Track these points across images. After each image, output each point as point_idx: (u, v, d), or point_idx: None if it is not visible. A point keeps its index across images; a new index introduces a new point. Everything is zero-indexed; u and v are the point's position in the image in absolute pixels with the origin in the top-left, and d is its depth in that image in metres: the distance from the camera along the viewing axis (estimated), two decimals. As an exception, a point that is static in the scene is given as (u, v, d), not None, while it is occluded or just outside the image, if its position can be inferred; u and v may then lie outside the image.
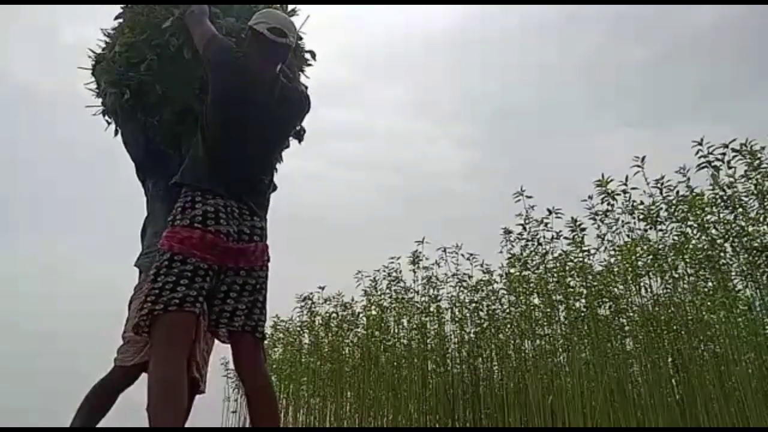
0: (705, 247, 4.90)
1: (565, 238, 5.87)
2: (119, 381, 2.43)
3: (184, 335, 1.92)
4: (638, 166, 5.28)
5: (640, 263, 5.36)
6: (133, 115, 2.50)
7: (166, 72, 2.44)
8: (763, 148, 4.67)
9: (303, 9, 2.76)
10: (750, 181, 4.67)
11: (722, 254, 4.84)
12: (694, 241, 5.03)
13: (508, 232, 6.45)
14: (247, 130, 2.15)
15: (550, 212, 5.94)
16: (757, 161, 4.66)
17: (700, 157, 4.90)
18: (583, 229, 5.71)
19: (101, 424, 2.39)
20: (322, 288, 9.50)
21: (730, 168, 4.78)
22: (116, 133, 2.72)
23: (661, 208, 5.20)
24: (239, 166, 2.11)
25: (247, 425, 11.31)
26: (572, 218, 5.76)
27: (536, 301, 6.35)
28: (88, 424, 2.34)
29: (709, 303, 4.95)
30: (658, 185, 5.24)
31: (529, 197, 6.11)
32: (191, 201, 2.03)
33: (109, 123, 2.72)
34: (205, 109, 2.17)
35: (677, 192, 5.13)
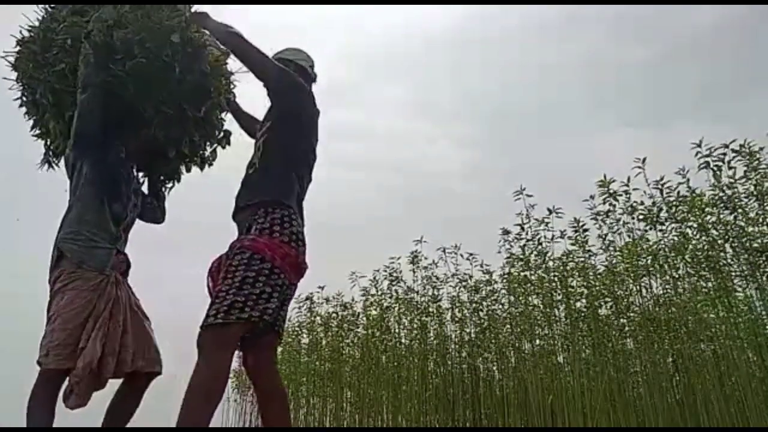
0: (705, 247, 4.90)
1: (568, 237, 5.88)
2: (58, 388, 2.32)
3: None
4: (639, 167, 5.29)
5: (640, 263, 5.37)
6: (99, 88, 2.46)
7: (145, 78, 2.47)
8: (761, 148, 4.68)
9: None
10: (750, 182, 4.68)
11: (722, 254, 4.85)
12: (694, 242, 5.04)
13: (506, 232, 6.45)
14: (313, 158, 2.36)
15: (550, 212, 5.94)
16: (756, 162, 4.67)
17: (699, 159, 4.91)
18: (586, 230, 5.71)
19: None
20: (322, 288, 9.50)
21: (730, 168, 4.79)
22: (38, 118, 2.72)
23: (662, 209, 5.20)
24: (305, 190, 2.30)
25: (248, 425, 11.31)
26: (575, 218, 5.77)
27: (536, 301, 6.35)
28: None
29: (708, 304, 4.96)
30: (659, 186, 5.24)
31: (530, 196, 6.12)
32: (288, 217, 2.11)
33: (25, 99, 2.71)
34: (281, 128, 2.28)
35: (678, 192, 5.14)
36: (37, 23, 2.72)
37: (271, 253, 2.00)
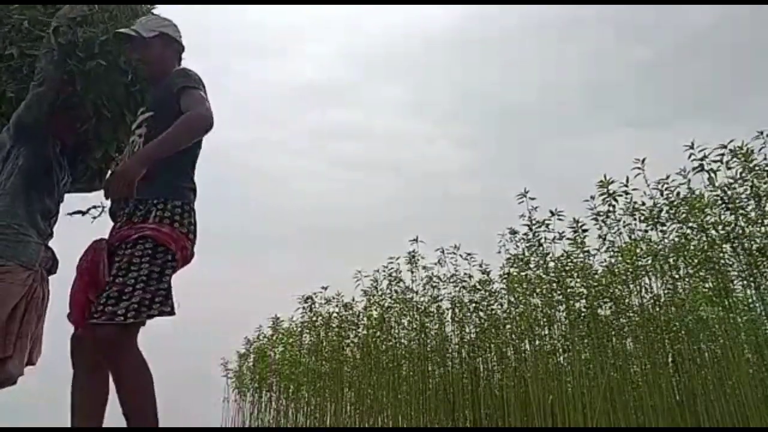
0: (705, 247, 4.90)
1: (567, 238, 5.88)
2: None
3: None
4: (639, 168, 5.29)
5: (640, 264, 5.37)
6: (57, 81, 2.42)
7: (96, 78, 2.47)
8: (761, 149, 4.67)
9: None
10: (746, 183, 4.67)
11: (722, 255, 4.85)
12: (694, 242, 5.04)
13: (513, 233, 6.45)
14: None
15: (552, 213, 5.95)
16: (752, 163, 4.66)
17: (693, 161, 4.92)
18: (585, 231, 5.72)
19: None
20: (325, 288, 9.48)
21: (729, 169, 4.79)
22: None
23: (662, 209, 5.20)
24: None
25: (248, 425, 11.31)
26: (574, 219, 5.77)
27: (536, 301, 6.36)
28: None
29: (707, 304, 4.96)
30: (659, 187, 5.25)
31: (533, 199, 6.13)
32: (189, 209, 2.06)
33: None
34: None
35: (678, 193, 5.14)
36: None
37: (175, 246, 1.96)
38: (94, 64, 2.41)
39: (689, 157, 4.92)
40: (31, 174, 2.40)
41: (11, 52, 2.57)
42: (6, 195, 2.36)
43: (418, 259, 7.72)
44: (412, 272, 7.80)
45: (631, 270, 5.44)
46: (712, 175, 4.84)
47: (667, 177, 5.21)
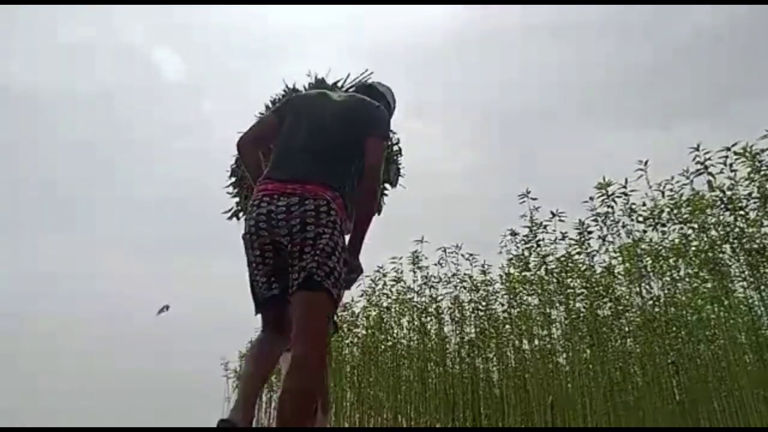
0: (705, 248, 4.90)
1: (570, 239, 5.89)
2: None
3: None
4: (641, 170, 5.30)
5: (640, 264, 5.37)
6: None
7: None
8: (763, 150, 4.67)
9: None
10: (753, 184, 4.67)
11: (722, 255, 4.85)
12: (695, 243, 5.04)
13: (514, 234, 6.46)
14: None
15: (553, 214, 5.96)
16: (759, 163, 4.67)
17: (697, 163, 4.92)
18: (590, 232, 5.73)
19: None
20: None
21: (732, 171, 4.79)
22: None
23: (663, 210, 5.21)
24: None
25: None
26: (579, 220, 5.78)
27: (536, 301, 6.36)
28: None
29: (705, 303, 4.96)
30: (660, 188, 5.26)
31: (534, 199, 6.14)
32: None
33: None
34: None
35: (680, 195, 5.15)
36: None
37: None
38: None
39: (694, 158, 4.92)
40: None
41: None
42: None
43: (421, 260, 7.72)
44: (414, 272, 7.80)
45: (631, 270, 5.44)
46: (713, 178, 4.84)
47: (672, 178, 5.22)
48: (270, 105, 4.56)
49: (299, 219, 1.93)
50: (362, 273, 2.20)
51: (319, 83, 4.46)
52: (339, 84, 4.61)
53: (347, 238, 2.11)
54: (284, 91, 4.47)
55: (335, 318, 3.30)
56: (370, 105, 2.30)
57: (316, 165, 2.07)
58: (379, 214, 4.20)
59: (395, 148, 3.96)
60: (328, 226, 1.93)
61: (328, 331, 1.99)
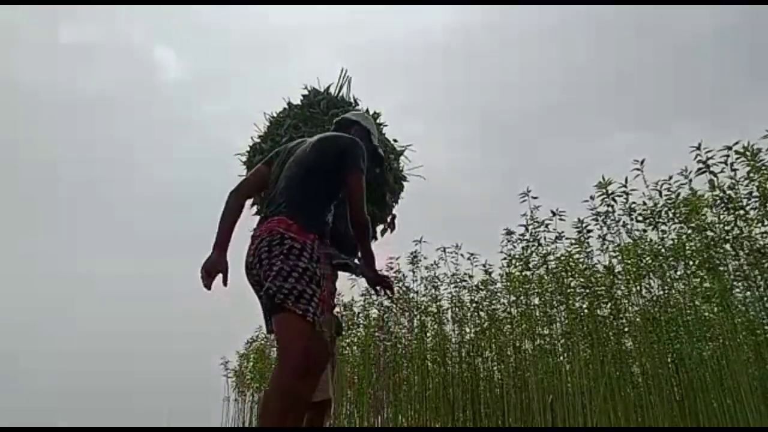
0: (704, 248, 4.90)
1: (568, 238, 5.89)
2: None
3: None
4: (638, 170, 5.31)
5: (640, 264, 5.37)
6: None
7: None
8: (760, 150, 4.67)
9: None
10: (753, 183, 4.67)
11: (721, 255, 4.85)
12: (695, 243, 5.04)
13: (509, 233, 6.46)
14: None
15: (554, 213, 5.96)
16: (759, 163, 4.66)
17: (698, 162, 4.91)
18: (590, 231, 5.73)
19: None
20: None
21: (733, 170, 4.79)
22: None
23: (662, 210, 5.21)
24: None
25: (247, 425, 11.30)
26: (578, 219, 5.78)
27: (536, 301, 6.36)
28: None
29: (706, 303, 4.96)
30: (659, 188, 5.26)
31: (535, 198, 6.15)
32: None
33: None
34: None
35: (678, 195, 5.15)
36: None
37: None
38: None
39: (695, 158, 4.93)
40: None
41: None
42: None
43: (420, 260, 7.72)
44: (414, 272, 7.80)
45: (631, 269, 5.44)
46: (715, 177, 4.84)
47: (670, 178, 5.23)
48: (267, 122, 4.58)
49: (257, 257, 2.19)
50: (390, 281, 2.60)
51: (315, 94, 4.54)
52: (331, 87, 4.60)
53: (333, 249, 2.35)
54: (284, 108, 4.50)
55: (339, 320, 3.39)
56: (341, 138, 2.47)
57: (283, 196, 2.29)
58: (392, 231, 4.35)
59: (392, 156, 4.05)
60: (283, 253, 2.12)
61: (324, 336, 2.12)
